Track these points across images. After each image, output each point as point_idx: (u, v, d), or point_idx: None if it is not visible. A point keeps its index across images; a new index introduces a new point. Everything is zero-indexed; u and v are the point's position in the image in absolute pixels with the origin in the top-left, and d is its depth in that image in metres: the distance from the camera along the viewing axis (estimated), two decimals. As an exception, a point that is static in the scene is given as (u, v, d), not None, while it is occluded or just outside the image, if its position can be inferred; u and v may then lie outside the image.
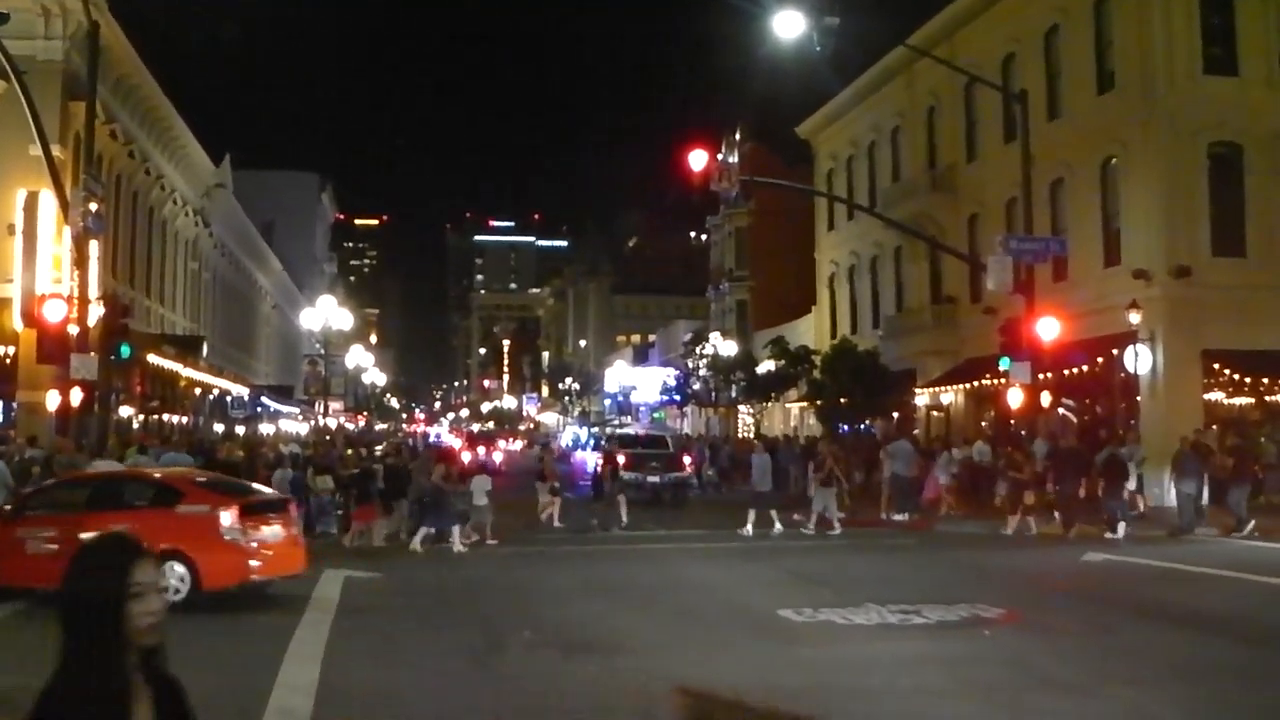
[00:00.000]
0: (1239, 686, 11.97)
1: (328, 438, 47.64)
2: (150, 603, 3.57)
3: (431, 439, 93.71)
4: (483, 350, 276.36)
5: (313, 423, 76.62)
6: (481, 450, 72.49)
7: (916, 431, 48.02)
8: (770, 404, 67.39)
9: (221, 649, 14.05)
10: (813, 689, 11.76)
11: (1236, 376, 35.56)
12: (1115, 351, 35.62)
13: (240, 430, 53.95)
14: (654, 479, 32.47)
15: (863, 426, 49.32)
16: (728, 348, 73.90)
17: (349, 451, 34.90)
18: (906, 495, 31.90)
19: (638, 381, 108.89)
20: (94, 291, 29.36)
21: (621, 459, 33.41)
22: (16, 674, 12.69)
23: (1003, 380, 34.10)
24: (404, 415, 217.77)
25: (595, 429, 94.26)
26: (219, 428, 52.62)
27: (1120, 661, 12.94)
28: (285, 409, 73.88)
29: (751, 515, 27.98)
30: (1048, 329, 31.23)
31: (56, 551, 15.66)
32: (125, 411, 38.89)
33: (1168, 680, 12.06)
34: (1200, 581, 19.63)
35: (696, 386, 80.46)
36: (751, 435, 65.00)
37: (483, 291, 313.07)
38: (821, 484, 28.79)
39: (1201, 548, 24.24)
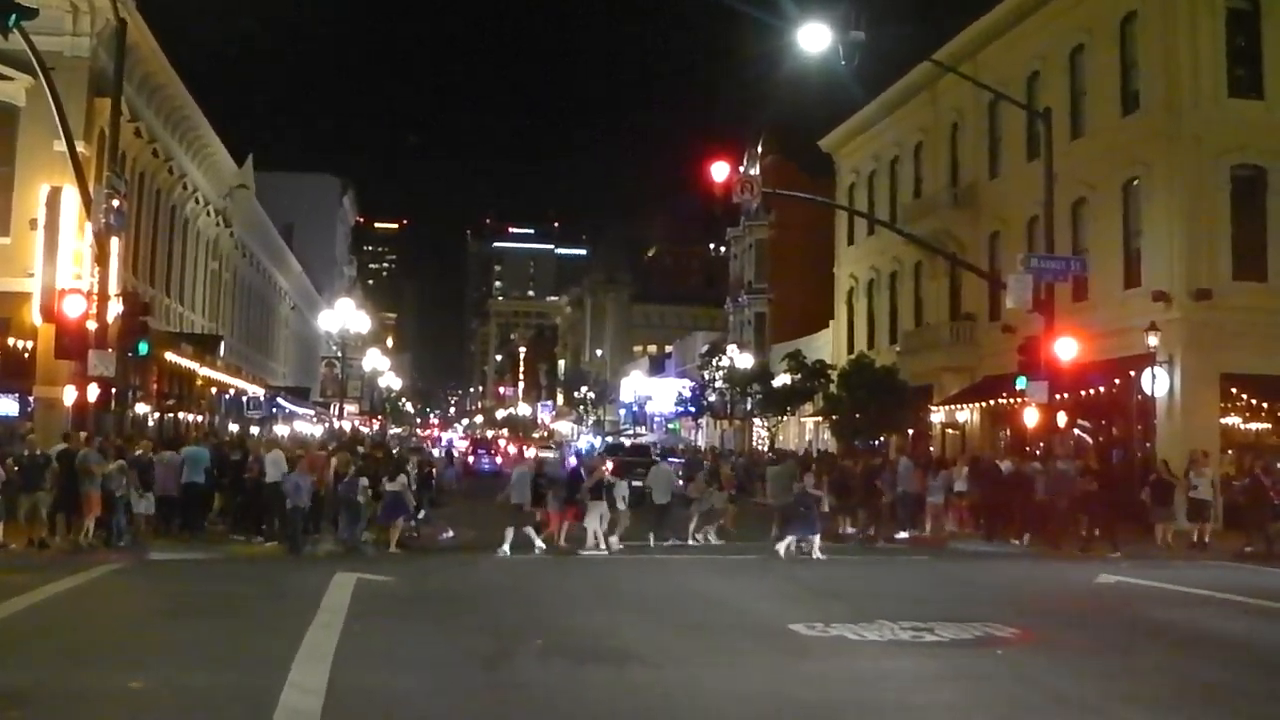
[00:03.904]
0: (1252, 709, 11.89)
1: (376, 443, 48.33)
2: None
3: (443, 444, 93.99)
4: (499, 357, 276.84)
5: (327, 424, 76.73)
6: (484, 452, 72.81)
7: (933, 448, 47.91)
8: (786, 418, 67.33)
9: (233, 649, 14.07)
10: (824, 703, 11.72)
11: (1255, 401, 35.40)
12: (1133, 373, 35.52)
13: (255, 430, 54.01)
14: (638, 483, 33.00)
15: (876, 442, 49.23)
16: (744, 360, 73.86)
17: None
18: (910, 512, 31.74)
19: (653, 392, 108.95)
20: (114, 288, 29.44)
21: (610, 465, 33.90)
22: (33, 671, 12.75)
23: (1020, 399, 34.01)
24: (419, 420, 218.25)
25: (609, 438, 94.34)
26: (234, 427, 52.68)
27: (1133, 682, 12.86)
28: (301, 410, 73.97)
29: (509, 534, 26.32)
30: (1066, 349, 31.12)
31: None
32: (142, 409, 38.96)
33: (1181, 702, 11.97)
34: (1214, 605, 19.54)
35: (712, 398, 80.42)
36: (766, 447, 65.00)
37: (501, 298, 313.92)
38: (593, 497, 27.51)
39: (1217, 572, 24.13)
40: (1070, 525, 29.51)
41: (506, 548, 26.01)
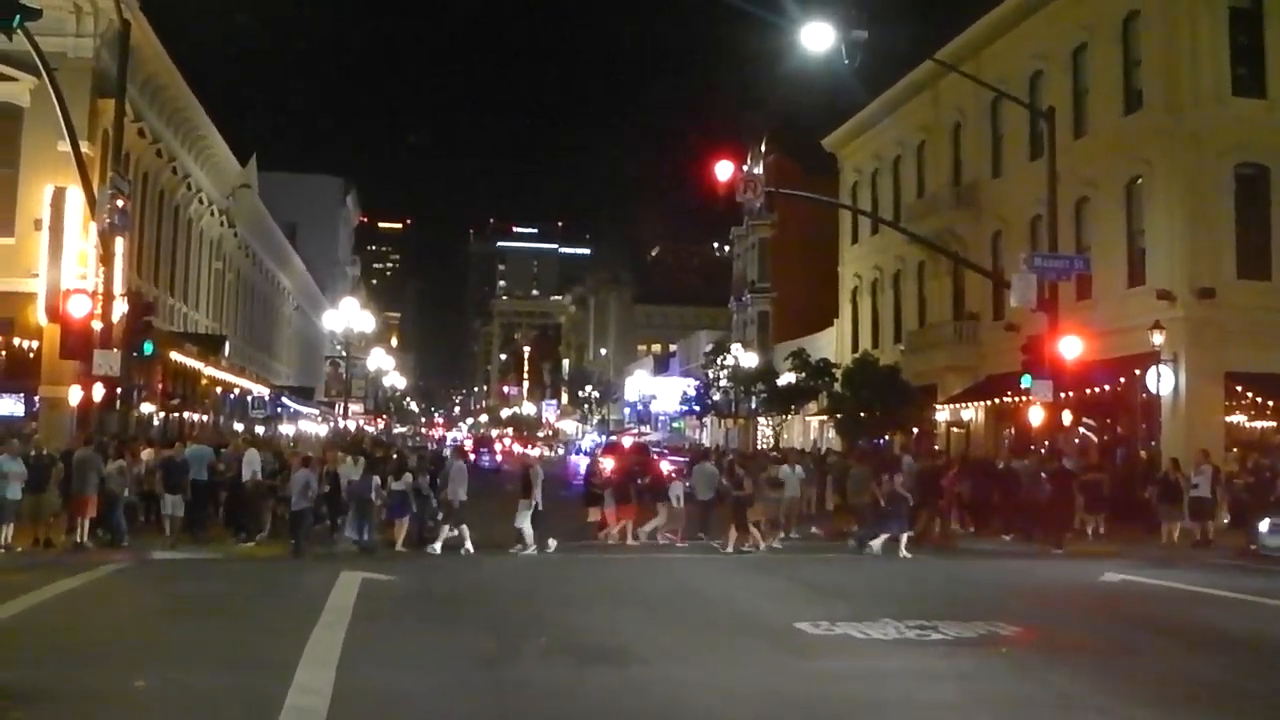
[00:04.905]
0: (1256, 708, 11.89)
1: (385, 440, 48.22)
2: None
3: (451, 443, 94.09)
4: (503, 356, 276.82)
5: (331, 424, 76.80)
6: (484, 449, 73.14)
7: (937, 447, 47.91)
8: (790, 417, 67.30)
9: (238, 648, 14.10)
10: (829, 703, 11.73)
11: (1259, 399, 35.37)
12: (1137, 372, 35.49)
13: (260, 430, 54.05)
14: (600, 479, 33.18)
15: (879, 441, 49.20)
16: (748, 359, 73.82)
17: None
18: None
19: (658, 391, 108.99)
20: (118, 288, 29.52)
21: (611, 463, 34.01)
22: (37, 670, 12.78)
23: (1024, 398, 34.00)
24: (423, 419, 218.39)
25: (613, 438, 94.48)
26: (239, 427, 52.71)
27: (1139, 682, 12.83)
28: (305, 410, 74.03)
29: (444, 532, 25.99)
30: (1070, 347, 31.12)
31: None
32: (147, 409, 38.99)
33: (1186, 701, 11.96)
34: (1218, 604, 19.52)
35: (716, 397, 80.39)
36: (770, 447, 64.96)
37: (504, 297, 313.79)
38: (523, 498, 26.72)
39: (1220, 571, 24.08)
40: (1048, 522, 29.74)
41: (438, 546, 25.76)
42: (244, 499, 27.02)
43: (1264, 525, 26.22)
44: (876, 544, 26.61)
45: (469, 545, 25.80)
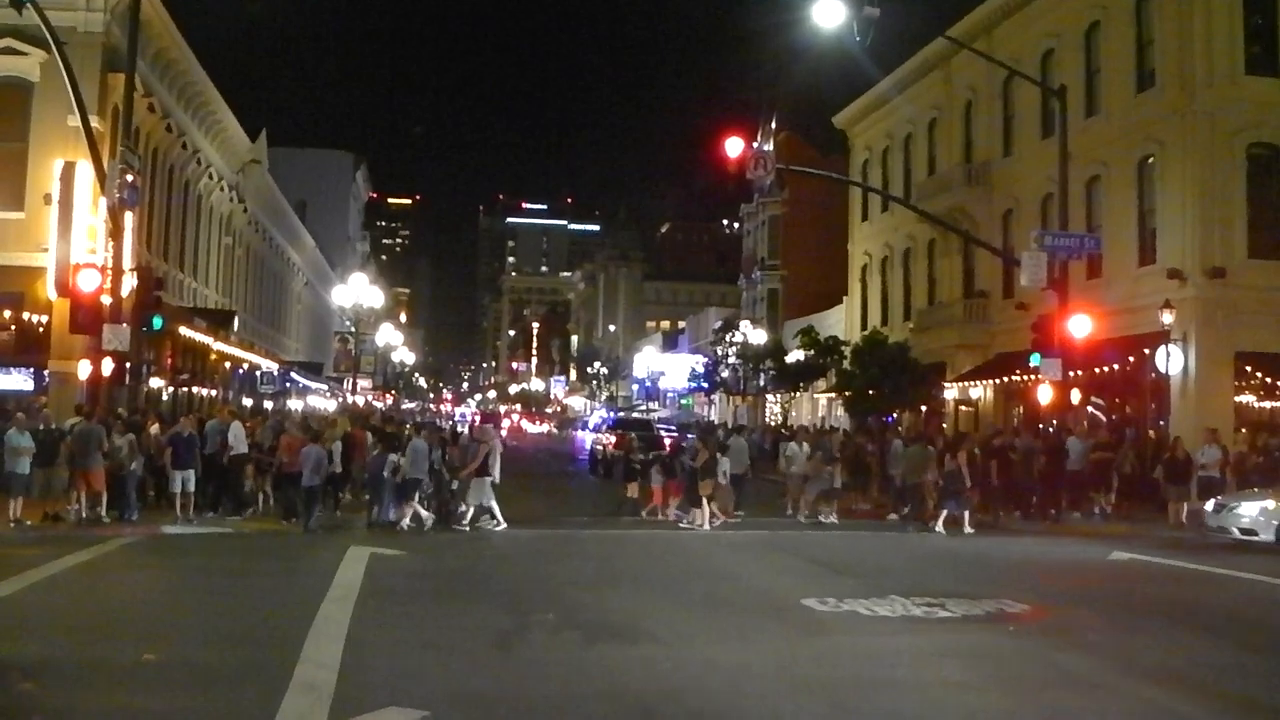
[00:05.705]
0: (1260, 688, 11.88)
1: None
2: None
3: (460, 419, 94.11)
4: (512, 332, 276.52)
5: (340, 399, 76.89)
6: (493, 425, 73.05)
7: (945, 425, 47.86)
8: (799, 394, 67.28)
9: (247, 623, 14.15)
10: (837, 679, 11.75)
11: (1269, 379, 35.32)
12: (1147, 351, 35.44)
13: (269, 405, 54.14)
14: (639, 456, 33.31)
15: (888, 418, 49.16)
16: (757, 336, 73.80)
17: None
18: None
19: (666, 367, 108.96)
20: (128, 263, 29.49)
21: (614, 438, 34.13)
22: (47, 644, 12.83)
23: (1033, 376, 33.97)
24: (432, 395, 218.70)
25: (621, 413, 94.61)
26: (248, 402, 52.81)
27: (1146, 661, 12.84)
28: (314, 385, 74.11)
29: (408, 511, 25.54)
30: (1080, 326, 31.09)
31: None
32: (156, 383, 39.02)
33: (1191, 680, 11.97)
34: (1224, 583, 19.52)
35: (725, 374, 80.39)
36: (779, 423, 64.97)
37: (514, 274, 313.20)
38: (478, 474, 26.26)
39: (1228, 551, 24.05)
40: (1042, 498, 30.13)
41: (406, 522, 25.40)
42: (226, 473, 26.91)
43: (1209, 505, 26.15)
44: (939, 525, 26.90)
45: (406, 521, 25.45)
